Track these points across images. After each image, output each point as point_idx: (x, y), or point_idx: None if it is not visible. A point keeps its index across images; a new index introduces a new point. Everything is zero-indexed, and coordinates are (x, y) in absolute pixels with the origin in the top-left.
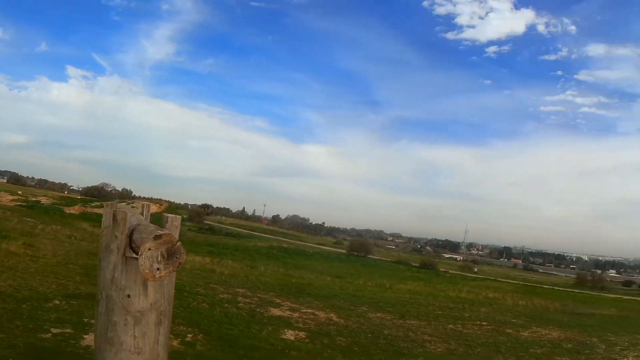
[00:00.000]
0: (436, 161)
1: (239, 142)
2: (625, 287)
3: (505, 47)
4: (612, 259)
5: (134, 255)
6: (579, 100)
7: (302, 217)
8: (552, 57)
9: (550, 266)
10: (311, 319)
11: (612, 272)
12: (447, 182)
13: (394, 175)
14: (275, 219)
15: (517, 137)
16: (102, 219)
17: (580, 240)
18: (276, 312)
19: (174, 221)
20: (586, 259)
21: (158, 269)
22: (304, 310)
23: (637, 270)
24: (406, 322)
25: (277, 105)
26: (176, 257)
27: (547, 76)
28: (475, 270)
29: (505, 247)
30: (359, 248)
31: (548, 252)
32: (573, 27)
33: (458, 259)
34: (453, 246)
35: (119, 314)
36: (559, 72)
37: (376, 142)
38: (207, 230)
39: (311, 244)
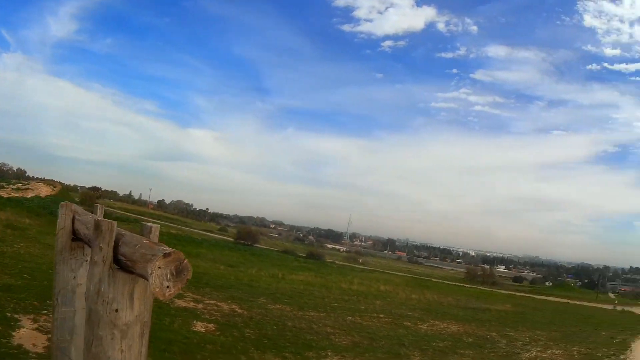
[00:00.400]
0: (322, 151)
1: (129, 124)
2: (516, 283)
3: (402, 43)
4: (500, 255)
5: (126, 268)
6: (472, 98)
7: (186, 202)
8: (449, 55)
9: (436, 260)
10: (216, 310)
11: (501, 268)
12: (333, 172)
13: (278, 163)
14: (161, 204)
15: (406, 131)
16: (58, 221)
17: (467, 235)
18: (181, 303)
19: (155, 231)
20: (473, 254)
21: (168, 287)
22: (207, 302)
23: (527, 267)
24: (306, 314)
25: (169, 88)
26: (184, 274)
27: (442, 73)
28: (360, 261)
29: (389, 239)
30: (246, 236)
31: (433, 245)
32: (474, 28)
33: (341, 249)
34: (336, 236)
35: (106, 328)
36: (455, 70)
37: (262, 130)
38: None
39: (198, 230)
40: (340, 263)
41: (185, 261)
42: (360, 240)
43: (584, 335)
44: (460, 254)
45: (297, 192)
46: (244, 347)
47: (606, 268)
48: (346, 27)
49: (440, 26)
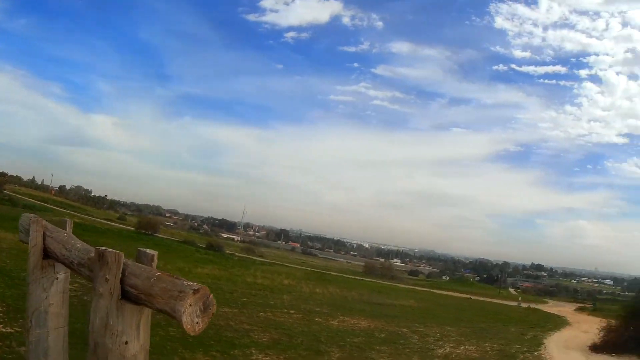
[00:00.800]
0: (218, 140)
1: (35, 107)
2: (412, 277)
3: (305, 35)
4: (395, 248)
5: (136, 300)
6: (372, 92)
7: (85, 188)
8: (352, 49)
9: (330, 251)
10: None
11: (396, 261)
12: (228, 162)
13: (174, 151)
14: (62, 190)
15: (303, 122)
16: (30, 238)
17: (361, 227)
18: None
19: (154, 258)
20: (367, 246)
21: (197, 322)
22: None
23: (423, 261)
24: (220, 310)
25: (75, 71)
26: (210, 309)
27: (343, 67)
28: (256, 252)
29: (282, 230)
30: (147, 226)
31: (327, 237)
32: (380, 23)
33: (235, 239)
34: (230, 226)
35: None
36: (356, 64)
37: (160, 117)
38: (7, 202)
39: (100, 219)
40: (240, 255)
41: (211, 296)
42: (254, 230)
43: (494, 331)
44: (355, 246)
45: (193, 180)
46: (172, 346)
47: (506, 264)
48: (251, 17)
49: (346, 20)
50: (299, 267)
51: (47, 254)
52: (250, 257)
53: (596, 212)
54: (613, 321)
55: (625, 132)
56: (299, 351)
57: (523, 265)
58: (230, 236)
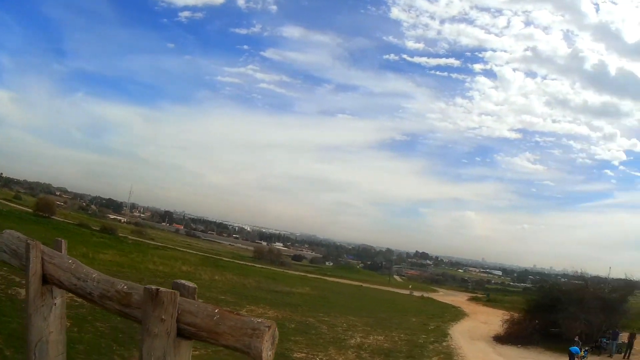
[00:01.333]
0: (108, 118)
1: None
2: (296, 262)
3: (199, 15)
4: (277, 231)
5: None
6: (259, 75)
7: None
8: (244, 31)
9: (213, 234)
10: None
11: (279, 245)
12: (116, 140)
13: (65, 128)
14: None
15: (189, 103)
16: (30, 265)
17: (243, 210)
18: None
19: (193, 291)
20: (249, 229)
21: (270, 355)
22: None
23: (305, 246)
24: None
25: None
26: (275, 340)
27: (233, 48)
28: (145, 235)
29: (166, 212)
30: (44, 207)
31: (210, 219)
32: (274, 7)
33: (122, 220)
34: (117, 206)
35: None
36: (246, 47)
37: (54, 93)
38: None
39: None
40: (133, 238)
41: (276, 330)
42: (139, 212)
43: (396, 321)
44: (237, 228)
45: (81, 158)
46: (106, 343)
47: (389, 251)
48: None
49: (241, 2)
50: (193, 252)
51: (45, 280)
52: (143, 240)
53: (484, 203)
54: (516, 314)
55: (519, 127)
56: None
57: (407, 253)
58: (117, 217)
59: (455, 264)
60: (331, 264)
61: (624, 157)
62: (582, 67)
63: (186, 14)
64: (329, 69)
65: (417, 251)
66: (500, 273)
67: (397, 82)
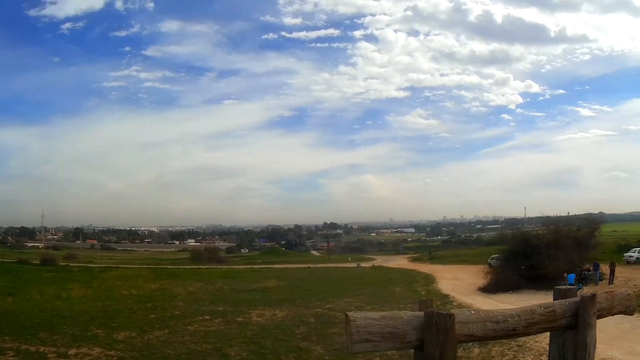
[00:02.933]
0: (2, 144)
1: None
2: (230, 255)
3: (80, 24)
4: (184, 228)
5: None
6: (143, 75)
7: None
8: (123, 33)
9: (126, 242)
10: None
11: (191, 241)
12: (14, 166)
13: None
14: None
15: (80, 114)
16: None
17: (148, 213)
18: None
19: None
20: (157, 231)
21: None
22: None
23: (216, 237)
24: (172, 335)
25: None
26: None
27: (115, 52)
28: (78, 258)
29: (76, 229)
30: None
31: (118, 228)
32: (151, 4)
33: (40, 246)
34: (30, 233)
35: None
36: (127, 48)
37: None
38: None
39: None
40: (75, 265)
41: None
42: (52, 234)
43: (386, 294)
44: (146, 232)
45: None
46: None
47: (298, 227)
48: (32, 12)
49: (119, 5)
50: (136, 266)
51: None
52: (85, 265)
53: (382, 165)
54: (490, 268)
55: (406, 85)
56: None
57: (316, 226)
58: (35, 244)
59: (366, 229)
60: (247, 250)
61: (520, 99)
62: (466, 19)
63: (68, 25)
64: (210, 57)
65: (325, 222)
66: (413, 230)
67: (279, 60)
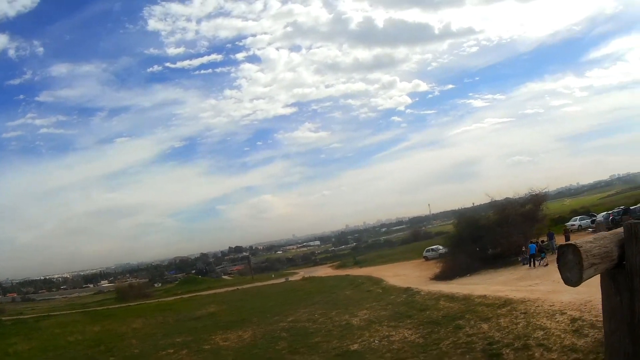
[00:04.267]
0: None
1: None
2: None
3: None
4: (94, 270)
5: None
6: (38, 122)
7: None
8: (17, 81)
9: (44, 292)
10: None
11: (105, 283)
12: None
13: None
14: None
15: None
16: None
17: (58, 260)
18: None
19: None
20: (70, 276)
21: None
22: None
23: (127, 275)
24: None
25: None
26: None
27: (10, 101)
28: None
29: None
30: None
31: (33, 279)
32: (41, 49)
33: None
34: None
35: None
36: (22, 96)
37: None
38: None
39: None
40: (8, 319)
41: None
42: None
43: (342, 298)
44: (61, 279)
45: None
46: None
47: (204, 255)
48: None
49: (12, 52)
50: (68, 311)
51: None
52: (17, 317)
53: (277, 183)
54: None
55: (292, 102)
56: None
57: (222, 252)
58: None
59: (270, 248)
60: (160, 284)
61: (408, 100)
62: (347, 29)
63: None
64: (100, 96)
65: (230, 247)
66: (318, 242)
67: (166, 91)
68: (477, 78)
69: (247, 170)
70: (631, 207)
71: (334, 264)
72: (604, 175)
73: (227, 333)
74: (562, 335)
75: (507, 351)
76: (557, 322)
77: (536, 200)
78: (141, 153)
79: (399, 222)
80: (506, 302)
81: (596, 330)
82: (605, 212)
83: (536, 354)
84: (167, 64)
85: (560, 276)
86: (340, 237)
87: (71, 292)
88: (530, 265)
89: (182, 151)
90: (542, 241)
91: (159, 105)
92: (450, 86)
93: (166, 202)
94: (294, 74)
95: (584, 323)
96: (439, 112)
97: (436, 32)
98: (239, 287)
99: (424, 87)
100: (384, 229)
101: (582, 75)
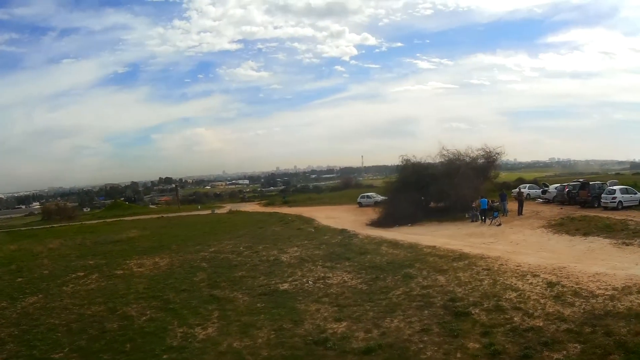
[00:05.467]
0: None
1: None
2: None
3: None
4: (28, 192)
5: None
6: None
7: None
8: None
9: None
10: None
11: (36, 205)
12: None
13: None
14: None
15: None
16: None
17: None
18: None
19: None
20: (4, 197)
21: None
22: None
23: (58, 198)
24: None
25: None
26: None
27: None
28: None
29: None
30: None
31: None
32: None
33: None
34: None
35: None
36: None
37: None
38: None
39: None
40: None
41: None
42: None
43: (270, 234)
44: None
45: None
46: None
47: (134, 184)
48: None
49: None
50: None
51: None
52: None
53: (213, 117)
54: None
55: (239, 38)
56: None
57: (152, 182)
58: None
59: (200, 182)
60: (88, 209)
61: (355, 51)
62: None
63: None
64: (53, 16)
65: (160, 178)
66: (247, 182)
67: (117, 15)
68: (428, 41)
69: (185, 101)
70: (590, 182)
71: (262, 202)
72: (543, 157)
73: (143, 259)
74: (542, 301)
75: (477, 311)
76: (531, 284)
77: (489, 157)
78: (85, 75)
79: (330, 170)
80: (462, 256)
81: (582, 300)
82: (558, 184)
83: (515, 318)
84: None
85: (517, 237)
86: (270, 179)
87: (3, 212)
88: (481, 221)
89: (124, 77)
90: (493, 201)
91: (109, 29)
92: (399, 44)
93: (103, 126)
94: (244, 11)
95: (565, 289)
96: (382, 68)
97: None
98: (163, 215)
99: (372, 41)
100: (314, 176)
101: (535, 56)
